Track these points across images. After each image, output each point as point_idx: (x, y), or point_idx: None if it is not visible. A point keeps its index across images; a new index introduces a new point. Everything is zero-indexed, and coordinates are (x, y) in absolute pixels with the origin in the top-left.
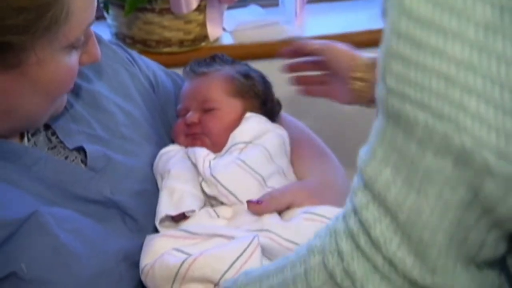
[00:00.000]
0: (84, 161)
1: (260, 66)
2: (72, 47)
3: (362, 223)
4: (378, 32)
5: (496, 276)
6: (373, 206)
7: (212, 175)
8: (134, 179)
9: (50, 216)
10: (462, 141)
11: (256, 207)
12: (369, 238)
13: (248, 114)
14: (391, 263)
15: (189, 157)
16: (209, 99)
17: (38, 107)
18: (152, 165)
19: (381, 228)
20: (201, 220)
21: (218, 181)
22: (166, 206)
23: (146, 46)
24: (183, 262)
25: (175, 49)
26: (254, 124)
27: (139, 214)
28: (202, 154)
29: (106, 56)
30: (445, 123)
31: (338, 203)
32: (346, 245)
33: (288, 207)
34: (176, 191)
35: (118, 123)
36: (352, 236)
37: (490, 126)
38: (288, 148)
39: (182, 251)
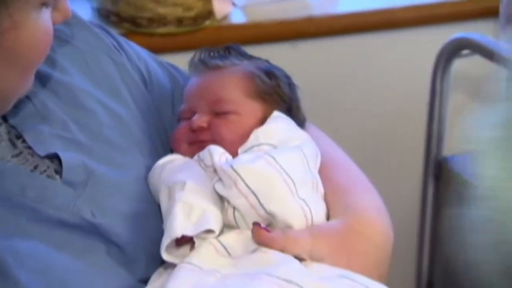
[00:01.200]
0: (59, 172)
1: (279, 50)
2: (44, 3)
3: None
4: (426, 8)
5: None
6: None
7: (232, 167)
8: (122, 197)
9: (9, 253)
10: None
11: (262, 233)
12: None
13: (276, 113)
14: None
15: (201, 161)
16: (223, 100)
17: (14, 83)
18: (145, 179)
19: None
20: (206, 257)
21: (239, 175)
22: (182, 224)
23: (135, 26)
24: None
25: (172, 29)
26: (284, 125)
27: (128, 242)
28: (218, 150)
29: (86, 41)
30: None
31: (373, 263)
32: None
33: (299, 257)
34: (196, 208)
35: (102, 124)
36: None
37: None
38: (318, 163)
39: None
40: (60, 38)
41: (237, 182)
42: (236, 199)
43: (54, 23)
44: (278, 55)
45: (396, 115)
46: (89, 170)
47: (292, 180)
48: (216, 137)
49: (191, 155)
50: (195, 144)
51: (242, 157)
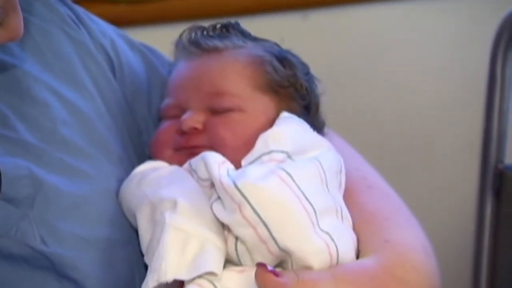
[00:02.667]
0: None
1: (286, 21)
2: None
3: None
4: None
5: None
6: None
7: (235, 185)
8: (81, 217)
9: None
10: None
11: (269, 278)
12: None
13: (286, 114)
14: None
15: (194, 172)
16: (224, 93)
17: None
18: (113, 193)
19: None
20: None
21: (244, 197)
22: (175, 263)
23: None
24: None
25: None
26: (297, 128)
27: (89, 278)
28: (216, 158)
29: (35, 11)
30: None
31: None
32: None
33: None
34: (193, 238)
35: (56, 120)
36: None
37: None
38: (343, 181)
39: None
40: None
41: (243, 206)
42: (241, 229)
43: None
44: (285, 27)
45: (441, 110)
46: (38, 182)
47: (313, 206)
48: (214, 143)
49: (178, 164)
50: (184, 150)
51: (249, 170)
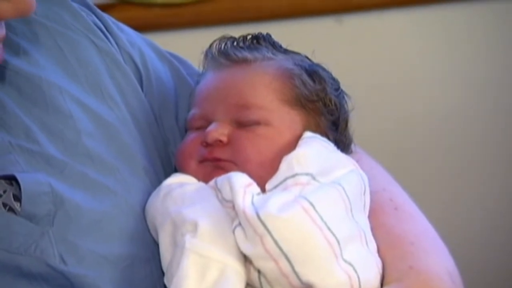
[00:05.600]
0: (18, 199)
1: (320, 25)
2: None
3: None
4: None
5: None
6: None
7: (258, 216)
8: (102, 235)
9: None
10: None
11: None
12: None
13: (309, 134)
14: None
15: (219, 191)
16: (251, 105)
17: None
18: (140, 211)
19: None
20: None
21: (267, 229)
22: None
23: None
24: None
25: None
26: (321, 149)
27: None
28: (242, 181)
29: (60, 20)
30: None
31: None
32: None
33: None
34: (213, 265)
35: (80, 132)
36: None
37: None
38: (367, 202)
39: None
40: None
41: (265, 239)
42: (262, 262)
43: (1, 17)
44: (319, 32)
45: (485, 114)
46: (58, 198)
47: (336, 237)
48: (238, 157)
49: (203, 177)
50: (208, 162)
51: (272, 199)
